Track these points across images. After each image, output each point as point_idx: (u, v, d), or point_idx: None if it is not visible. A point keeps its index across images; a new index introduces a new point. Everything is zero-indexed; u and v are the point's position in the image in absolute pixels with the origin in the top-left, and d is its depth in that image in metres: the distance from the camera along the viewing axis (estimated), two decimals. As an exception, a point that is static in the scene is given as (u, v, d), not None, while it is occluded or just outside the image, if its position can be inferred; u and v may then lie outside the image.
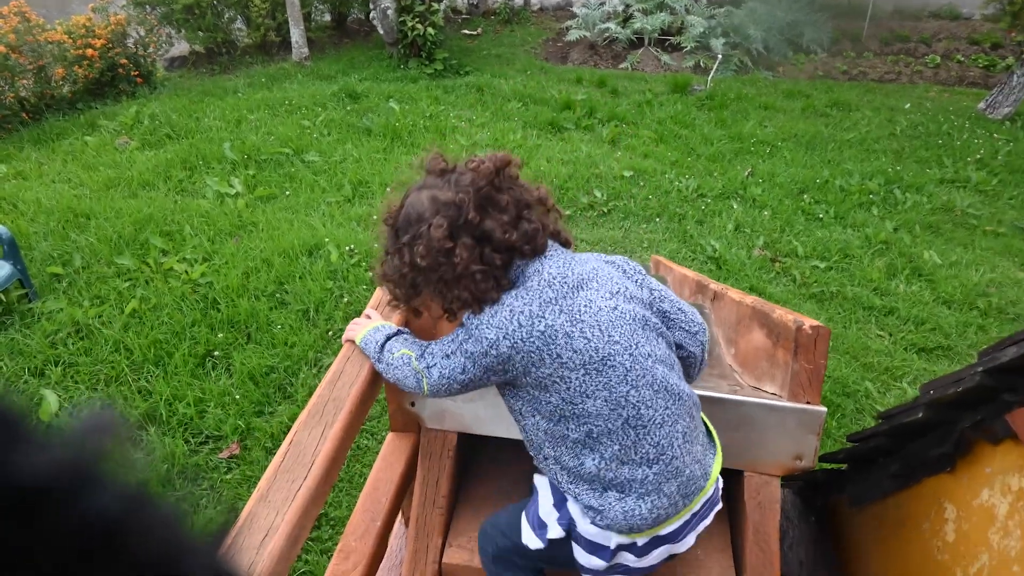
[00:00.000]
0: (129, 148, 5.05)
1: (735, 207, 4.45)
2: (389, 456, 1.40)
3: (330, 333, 3.10)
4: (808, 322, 1.20)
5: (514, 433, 1.23)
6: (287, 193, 4.45)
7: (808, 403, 1.20)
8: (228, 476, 2.41)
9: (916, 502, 1.24)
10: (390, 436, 1.47)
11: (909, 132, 5.96)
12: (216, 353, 2.93)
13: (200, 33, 7.62)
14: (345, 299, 3.32)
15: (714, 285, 1.38)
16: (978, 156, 5.42)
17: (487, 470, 1.41)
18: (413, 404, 1.33)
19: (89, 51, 5.98)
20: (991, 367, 1.09)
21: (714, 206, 4.46)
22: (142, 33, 6.76)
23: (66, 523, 0.19)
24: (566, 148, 5.34)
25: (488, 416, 1.28)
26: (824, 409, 1.19)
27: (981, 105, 6.53)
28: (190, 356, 2.89)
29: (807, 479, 1.60)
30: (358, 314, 3.36)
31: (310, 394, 2.92)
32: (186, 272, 3.42)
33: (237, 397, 2.71)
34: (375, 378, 1.15)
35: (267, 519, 0.88)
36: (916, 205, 4.58)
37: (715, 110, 6.35)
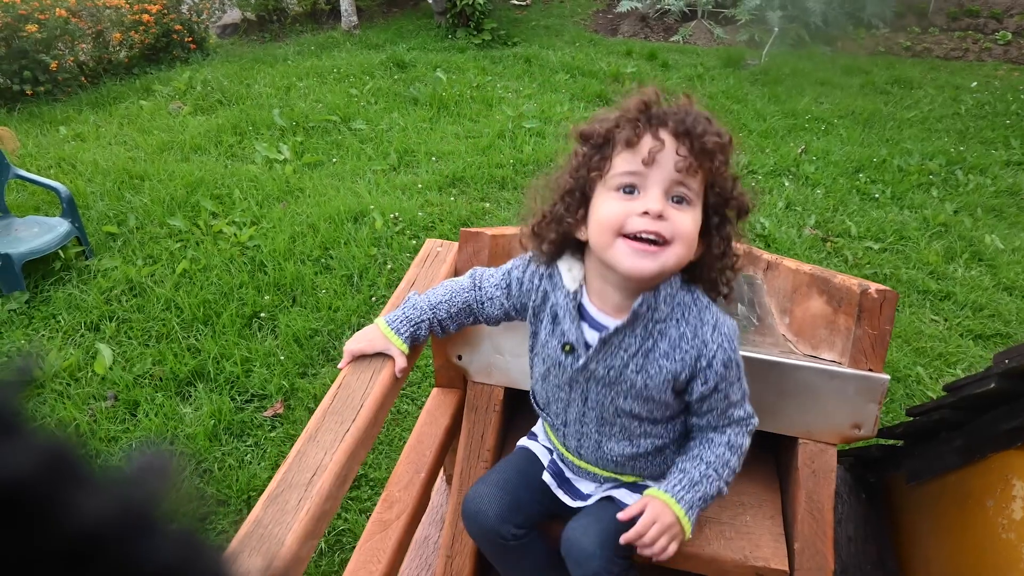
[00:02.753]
0: (182, 113, 5.15)
1: (787, 185, 4.32)
2: (434, 411, 1.42)
3: (373, 299, 3.14)
4: (874, 286, 1.16)
5: None
6: (334, 160, 4.48)
7: (870, 370, 1.16)
8: (272, 434, 2.48)
9: (981, 478, 1.20)
10: (435, 392, 1.48)
11: (975, 111, 5.69)
12: (262, 315, 3.00)
13: (252, 0, 7.69)
14: (388, 266, 3.35)
15: (767, 255, 1.34)
16: (1049, 138, 5.15)
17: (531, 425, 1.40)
18: (460, 357, 1.33)
19: (145, 16, 6.09)
20: None
21: (765, 183, 4.34)
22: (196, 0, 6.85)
23: (121, 571, 0.18)
24: (613, 121, 5.25)
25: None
26: (887, 377, 1.15)
27: (1055, 84, 6.18)
28: (237, 316, 2.96)
29: (860, 454, 1.56)
30: (400, 279, 3.40)
31: (352, 358, 2.97)
32: (235, 235, 3.49)
33: (282, 358, 2.77)
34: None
35: (315, 458, 0.90)
36: (979, 187, 4.38)
37: (769, 85, 6.15)
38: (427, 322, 1.16)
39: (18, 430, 0.19)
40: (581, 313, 1.02)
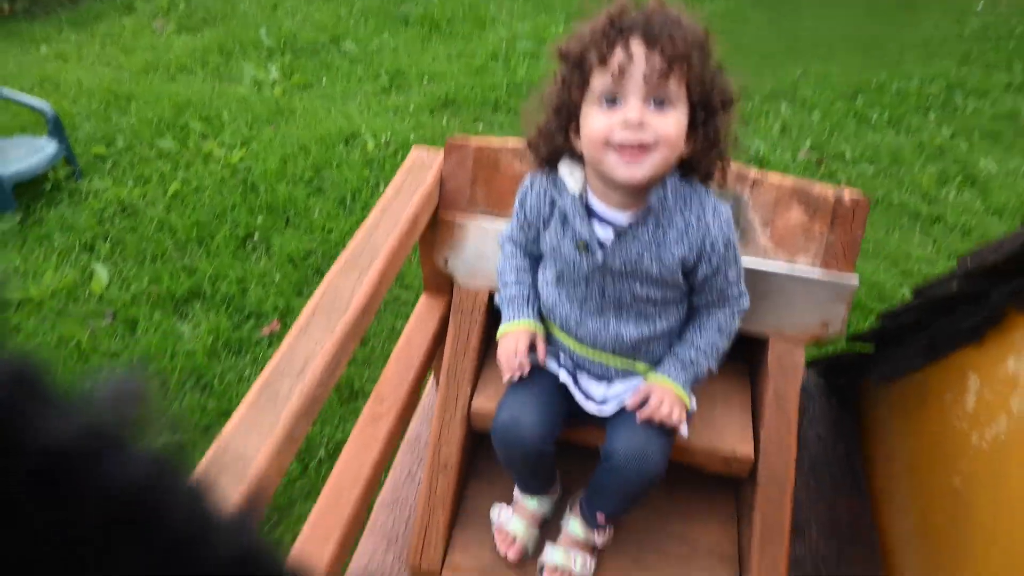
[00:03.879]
0: (166, 32, 4.99)
1: (783, 108, 4.27)
2: (423, 315, 1.47)
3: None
4: (848, 193, 1.20)
5: None
6: (323, 81, 4.39)
7: (841, 272, 1.21)
8: (270, 350, 2.52)
9: (942, 375, 1.26)
10: (423, 298, 1.52)
11: (978, 33, 5.56)
12: (256, 235, 3.00)
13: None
14: (381, 187, 3.33)
15: (754, 173, 1.36)
16: (1052, 61, 5.06)
17: None
18: (446, 262, 1.37)
19: (122, -71, 5.81)
20: None
21: (760, 107, 4.28)
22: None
23: (87, 490, 0.17)
24: (609, 42, 5.12)
25: None
26: (856, 277, 1.21)
27: (1063, 6, 6.03)
28: (231, 237, 2.96)
29: (832, 361, 1.62)
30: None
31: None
32: (225, 156, 3.46)
33: (277, 278, 2.79)
34: (411, 229, 1.19)
35: (307, 348, 0.94)
36: (977, 111, 4.34)
37: (770, 8, 5.98)
38: (529, 286, 1.24)
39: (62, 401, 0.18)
40: (589, 212, 1.09)
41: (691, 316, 1.18)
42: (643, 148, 0.96)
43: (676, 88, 0.96)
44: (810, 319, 1.25)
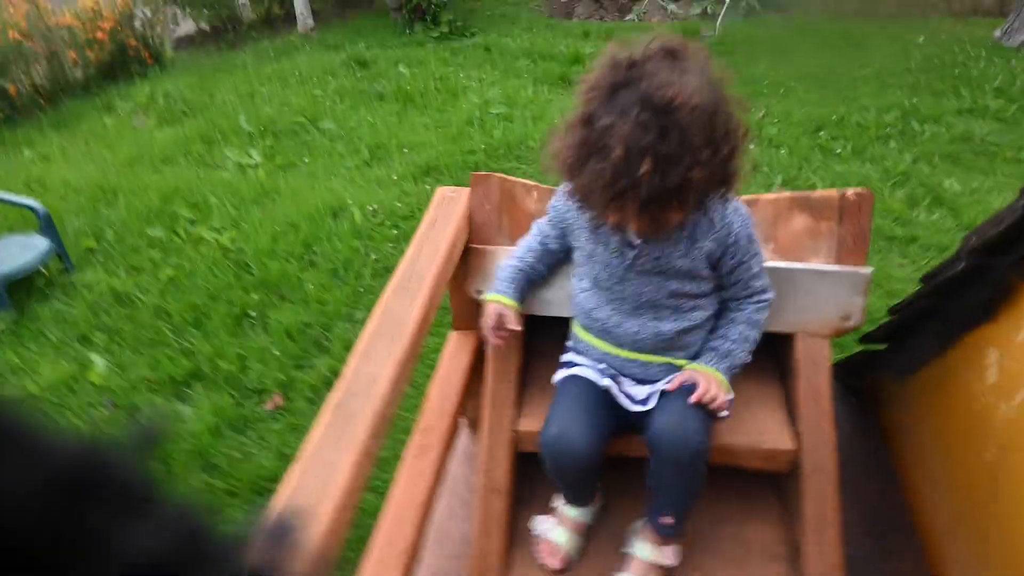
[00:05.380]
0: (147, 127, 5.12)
1: (751, 148, 4.43)
2: (456, 352, 1.51)
3: (360, 290, 3.18)
4: (851, 189, 1.28)
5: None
6: (306, 160, 4.50)
7: (854, 265, 1.29)
8: (275, 426, 2.52)
9: (959, 356, 1.30)
10: (453, 335, 1.57)
11: (924, 65, 5.87)
12: (252, 313, 3.02)
13: (205, 11, 7.63)
14: (372, 256, 3.39)
15: (745, 198, 1.43)
16: (995, 84, 5.33)
17: (551, 349, 1.49)
18: (480, 292, 1.42)
19: (99, 34, 6.02)
20: None
21: (730, 148, 4.45)
22: (148, 14, 6.78)
23: None
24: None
25: (554, 297, 1.40)
26: (870, 269, 1.28)
27: (997, 33, 6.39)
28: (227, 316, 2.98)
29: (846, 362, 1.65)
30: (387, 271, 3.44)
31: (346, 347, 3.01)
32: (216, 239, 3.51)
33: (276, 353, 2.80)
34: (449, 256, 1.25)
35: (370, 371, 0.96)
36: (934, 136, 4.54)
37: (725, 55, 6.27)
38: (521, 272, 1.33)
39: (151, 504, 0.18)
40: None
41: (722, 312, 1.26)
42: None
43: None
44: (831, 313, 1.31)
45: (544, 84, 5.75)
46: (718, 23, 7.10)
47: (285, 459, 2.41)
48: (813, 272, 1.30)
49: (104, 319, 3.01)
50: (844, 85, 5.47)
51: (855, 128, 4.65)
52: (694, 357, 1.26)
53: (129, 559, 0.16)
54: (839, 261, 1.31)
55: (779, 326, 1.34)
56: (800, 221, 1.34)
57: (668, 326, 1.22)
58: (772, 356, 1.45)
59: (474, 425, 1.70)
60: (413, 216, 3.74)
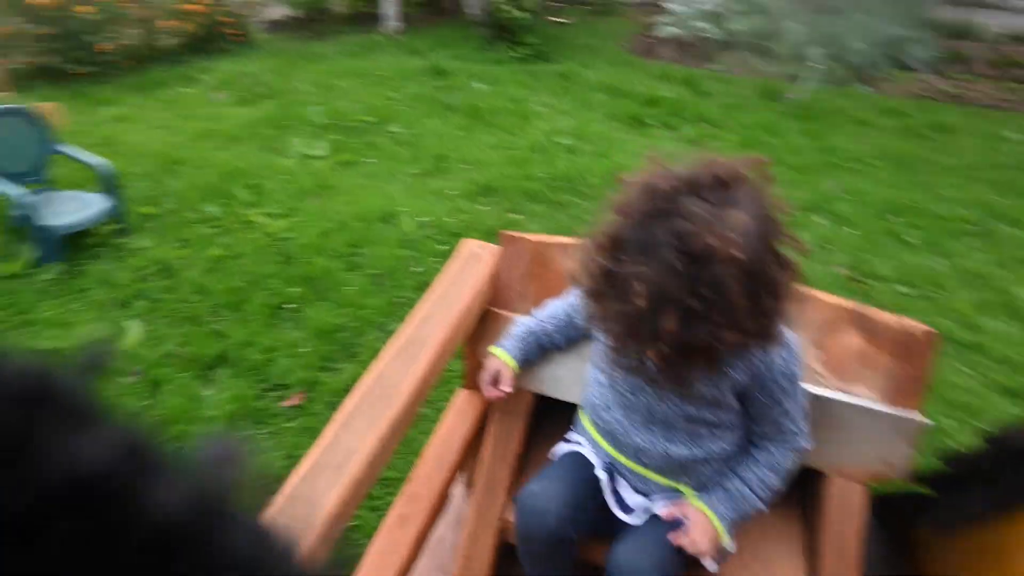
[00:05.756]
0: (223, 103, 5.22)
1: (819, 221, 4.29)
2: (461, 411, 1.42)
3: (398, 300, 3.14)
4: (918, 325, 1.14)
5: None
6: (368, 161, 4.52)
7: (908, 410, 1.15)
8: (290, 424, 2.48)
9: (1014, 532, 1.17)
10: (463, 393, 1.48)
11: (1014, 161, 5.63)
12: (289, 306, 3.01)
13: (299, -2, 7.82)
14: (416, 269, 3.36)
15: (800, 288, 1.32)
16: (1089, 194, 5.08)
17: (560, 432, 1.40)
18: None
19: (195, 6, 6.20)
20: None
21: (796, 219, 4.31)
22: (245, -7, 6.98)
23: (199, 562, 0.18)
24: (648, 144, 5.25)
25: (567, 378, 1.28)
26: (925, 420, 1.14)
27: (1097, 142, 6.10)
28: (265, 305, 2.98)
29: (884, 500, 1.52)
30: (427, 285, 3.40)
31: (374, 356, 2.97)
32: (267, 225, 3.52)
33: (305, 350, 2.78)
34: (462, 321, 1.17)
35: (349, 443, 0.90)
36: (1016, 240, 4.33)
37: (806, 120, 6.14)
38: (533, 334, 1.22)
39: (96, 420, 0.18)
40: None
41: (746, 448, 1.11)
42: None
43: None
44: (870, 455, 1.16)
45: (616, 121, 5.69)
46: (804, 87, 6.95)
47: (293, 461, 2.38)
48: (861, 408, 1.15)
49: (146, 287, 3.03)
50: (926, 172, 5.28)
51: (931, 218, 4.46)
52: (702, 487, 1.10)
53: (72, 470, 0.16)
54: (891, 401, 1.16)
55: (812, 460, 1.18)
56: (855, 340, 1.21)
57: (679, 451, 1.07)
58: (799, 487, 1.29)
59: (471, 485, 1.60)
60: (462, 234, 3.70)
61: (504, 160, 4.64)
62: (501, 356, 1.21)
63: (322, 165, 4.33)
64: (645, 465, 1.11)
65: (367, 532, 2.14)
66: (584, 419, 1.22)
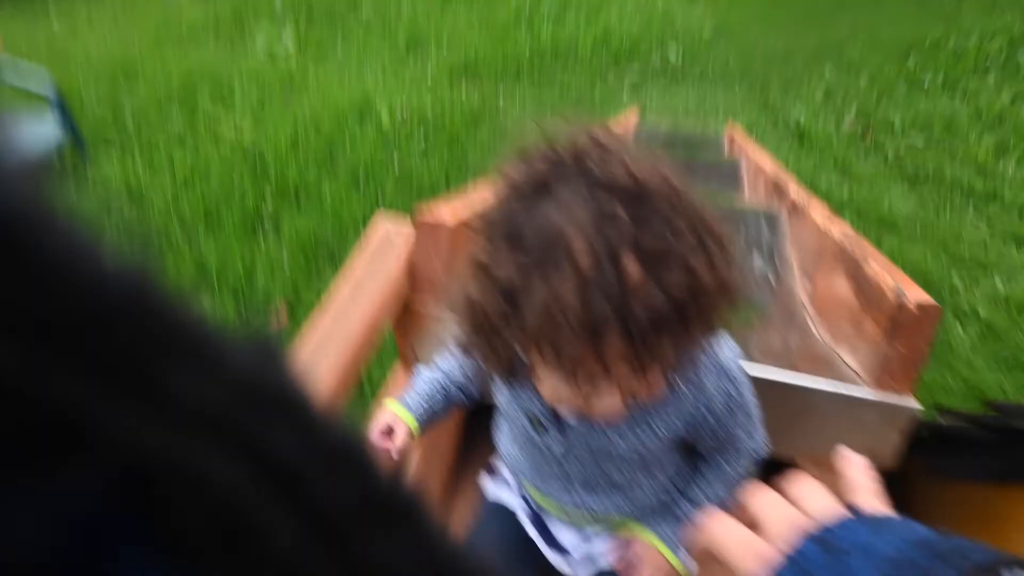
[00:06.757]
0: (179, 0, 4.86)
1: (827, 71, 3.98)
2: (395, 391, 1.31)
3: (380, 202, 3.02)
4: (914, 296, 0.94)
5: None
6: (339, 49, 4.22)
7: (898, 395, 0.98)
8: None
9: (1012, 502, 1.05)
10: (399, 369, 1.37)
11: (1047, -19, 5.11)
12: (265, 219, 2.90)
13: None
14: (395, 167, 3.20)
15: (794, 192, 1.15)
16: None
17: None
18: (415, 352, 1.19)
19: None
20: None
21: (803, 69, 4.00)
22: None
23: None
24: (640, 0, 4.83)
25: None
26: (917, 406, 0.97)
27: None
28: (239, 222, 2.87)
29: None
30: (409, 183, 3.24)
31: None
32: (236, 136, 3.34)
33: (286, 263, 2.70)
34: (378, 319, 1.02)
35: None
36: (1042, 71, 3.99)
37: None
38: (443, 391, 0.93)
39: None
40: None
41: (695, 465, 0.91)
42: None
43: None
44: (853, 446, 1.00)
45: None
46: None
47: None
48: (842, 397, 0.98)
49: (116, 219, 2.92)
50: (947, 1, 4.82)
51: (950, 56, 4.11)
52: (644, 513, 0.90)
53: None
54: (879, 384, 0.98)
55: (780, 448, 0.97)
56: (844, 290, 1.04)
57: (605, 503, 0.88)
58: (765, 475, 1.14)
59: None
60: (443, 128, 3.49)
61: (484, 35, 4.30)
62: (400, 414, 0.91)
63: (290, 62, 4.05)
64: (568, 516, 0.93)
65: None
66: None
